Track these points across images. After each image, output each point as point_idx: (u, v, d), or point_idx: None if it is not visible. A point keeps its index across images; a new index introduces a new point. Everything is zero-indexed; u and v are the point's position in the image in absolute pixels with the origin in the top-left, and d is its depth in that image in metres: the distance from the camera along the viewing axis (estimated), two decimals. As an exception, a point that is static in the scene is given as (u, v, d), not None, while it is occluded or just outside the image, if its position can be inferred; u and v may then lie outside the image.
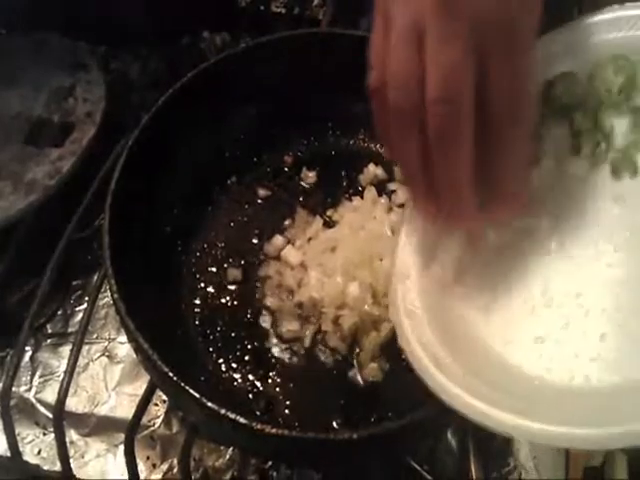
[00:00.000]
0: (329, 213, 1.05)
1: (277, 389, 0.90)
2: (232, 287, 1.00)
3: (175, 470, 0.93)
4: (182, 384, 0.76)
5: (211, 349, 0.94)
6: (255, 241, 1.04)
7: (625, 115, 0.74)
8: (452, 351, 0.71)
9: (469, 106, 0.61)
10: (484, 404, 0.63)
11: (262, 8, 1.44)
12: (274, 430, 0.72)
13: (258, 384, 0.91)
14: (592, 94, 0.76)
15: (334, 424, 0.86)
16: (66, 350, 1.04)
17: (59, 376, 1.01)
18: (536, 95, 0.70)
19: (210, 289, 1.00)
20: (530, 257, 0.74)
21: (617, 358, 0.64)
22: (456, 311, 0.75)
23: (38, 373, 1.05)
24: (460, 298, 0.76)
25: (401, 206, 1.03)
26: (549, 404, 0.64)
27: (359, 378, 0.90)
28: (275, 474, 0.91)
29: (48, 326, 1.09)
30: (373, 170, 1.09)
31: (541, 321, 0.70)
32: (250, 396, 0.90)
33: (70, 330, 1.09)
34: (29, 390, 1.03)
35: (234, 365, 0.92)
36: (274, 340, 0.94)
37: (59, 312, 1.10)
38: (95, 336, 1.07)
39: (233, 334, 0.95)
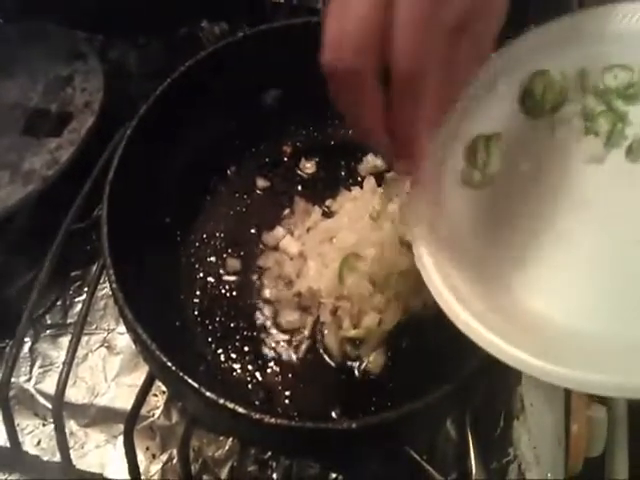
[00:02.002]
0: (328, 203, 1.05)
1: (276, 379, 0.90)
2: (231, 277, 1.00)
3: (174, 460, 0.93)
4: (181, 374, 0.76)
5: (210, 339, 0.94)
6: (254, 231, 1.04)
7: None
8: (473, 286, 0.70)
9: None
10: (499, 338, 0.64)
11: (261, -3, 1.44)
12: (273, 420, 0.72)
13: (257, 374, 0.91)
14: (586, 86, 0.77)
15: (333, 414, 0.86)
16: (65, 341, 1.04)
17: (58, 367, 1.01)
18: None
19: (209, 279, 1.00)
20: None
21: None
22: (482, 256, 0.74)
23: (37, 364, 1.04)
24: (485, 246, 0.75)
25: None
26: (575, 351, 0.63)
27: (358, 369, 0.90)
28: (274, 464, 0.91)
29: (47, 317, 1.09)
30: (372, 160, 1.08)
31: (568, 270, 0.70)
32: (249, 386, 0.90)
33: (69, 321, 1.09)
34: (28, 381, 1.03)
35: (233, 355, 0.92)
36: (273, 330, 0.94)
37: (58, 303, 1.10)
38: (94, 327, 1.07)
39: (232, 324, 0.95)
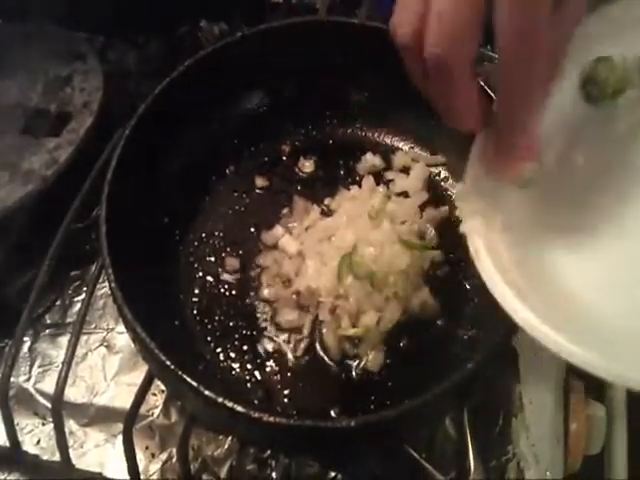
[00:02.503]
0: (327, 202, 1.05)
1: (275, 378, 0.90)
2: (230, 276, 1.00)
3: (174, 460, 0.93)
4: (180, 373, 0.76)
5: (209, 338, 0.94)
6: (253, 230, 1.04)
7: None
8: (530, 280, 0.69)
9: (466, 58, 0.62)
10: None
11: (260, -3, 1.44)
12: (272, 418, 0.72)
13: (256, 373, 0.91)
14: None
15: (332, 413, 0.86)
16: (64, 340, 1.03)
17: (58, 366, 1.01)
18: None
19: (208, 278, 1.00)
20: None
21: None
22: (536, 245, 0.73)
23: (37, 363, 1.04)
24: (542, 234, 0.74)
25: (399, 195, 1.04)
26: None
27: (357, 367, 0.90)
28: (274, 463, 0.91)
29: (46, 316, 1.09)
30: (371, 159, 1.09)
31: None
32: (248, 385, 0.90)
33: (68, 320, 1.08)
34: (28, 380, 1.03)
35: (232, 354, 0.92)
36: (272, 329, 0.94)
37: (57, 302, 1.10)
38: (93, 326, 1.06)
39: (231, 323, 0.95)
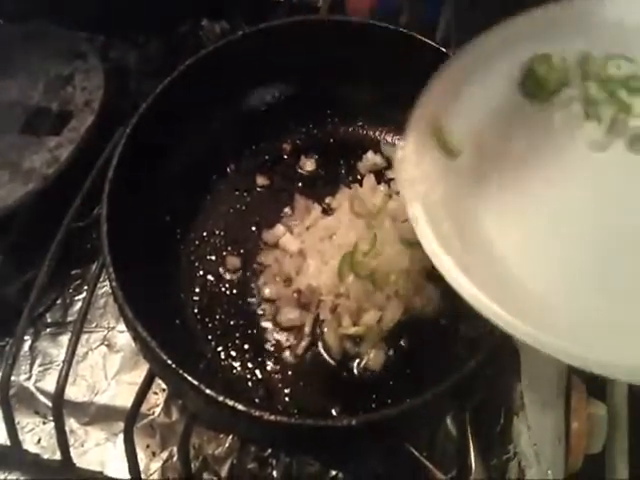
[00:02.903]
0: (328, 201, 1.05)
1: (276, 377, 0.90)
2: (231, 275, 1.00)
3: (175, 458, 0.93)
4: (181, 372, 0.76)
5: (210, 337, 0.94)
6: (254, 229, 1.04)
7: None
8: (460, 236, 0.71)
9: None
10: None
11: (261, -5, 1.44)
12: (273, 417, 0.72)
13: (257, 372, 0.91)
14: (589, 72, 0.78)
15: (333, 411, 0.86)
16: (65, 339, 1.03)
17: (58, 365, 1.01)
18: None
19: (209, 277, 1.00)
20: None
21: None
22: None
23: (37, 362, 1.04)
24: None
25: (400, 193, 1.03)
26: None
27: (358, 366, 0.90)
28: (274, 462, 0.91)
29: (47, 315, 1.09)
30: (372, 158, 1.09)
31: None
32: (249, 384, 0.90)
33: (69, 319, 1.09)
34: (29, 379, 1.03)
35: (233, 353, 0.92)
36: (273, 328, 0.94)
37: (58, 301, 1.10)
38: (94, 325, 1.07)
39: (232, 322, 0.95)
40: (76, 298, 1.11)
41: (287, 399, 0.89)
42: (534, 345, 0.61)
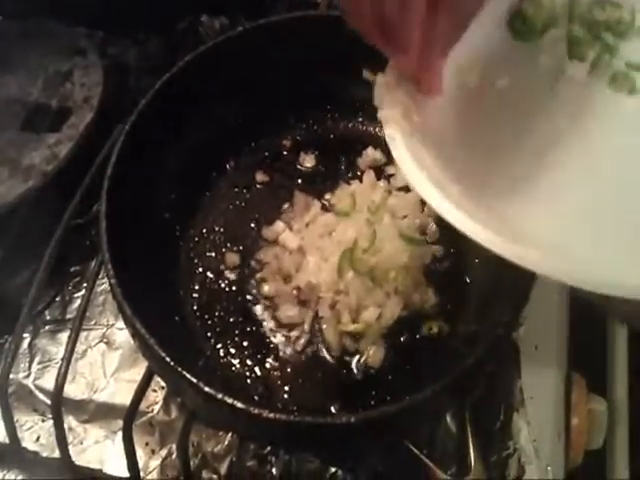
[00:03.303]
0: (327, 197, 1.05)
1: (275, 374, 0.90)
2: (230, 272, 1.00)
3: (174, 456, 0.93)
4: (180, 369, 0.75)
5: (209, 334, 0.94)
6: (253, 226, 1.04)
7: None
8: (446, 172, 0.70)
9: None
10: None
11: (261, -9, 1.44)
12: (272, 415, 0.72)
13: (256, 369, 0.91)
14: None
15: (332, 409, 0.86)
16: (64, 336, 1.03)
17: (57, 362, 1.00)
18: None
19: (208, 274, 1.00)
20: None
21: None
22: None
23: (36, 359, 1.04)
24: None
25: (400, 189, 1.03)
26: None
27: (357, 363, 0.90)
28: (274, 459, 0.91)
29: (46, 312, 1.09)
30: (372, 154, 1.08)
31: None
32: (248, 381, 0.90)
33: (68, 316, 1.08)
34: (27, 377, 1.02)
35: (232, 350, 0.92)
36: (272, 325, 0.94)
37: (57, 298, 1.10)
38: (93, 322, 1.06)
39: (231, 319, 0.95)
40: (75, 295, 1.10)
41: (286, 396, 0.89)
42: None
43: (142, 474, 0.89)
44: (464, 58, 0.77)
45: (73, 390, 0.99)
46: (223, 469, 0.92)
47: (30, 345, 1.06)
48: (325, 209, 1.03)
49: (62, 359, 0.91)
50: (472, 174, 0.70)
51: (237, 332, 0.94)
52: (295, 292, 0.96)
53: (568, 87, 0.76)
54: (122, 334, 1.04)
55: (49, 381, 0.99)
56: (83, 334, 1.02)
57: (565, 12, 0.80)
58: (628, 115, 0.74)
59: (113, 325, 1.06)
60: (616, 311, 0.67)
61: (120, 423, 0.87)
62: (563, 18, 0.80)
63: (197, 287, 0.98)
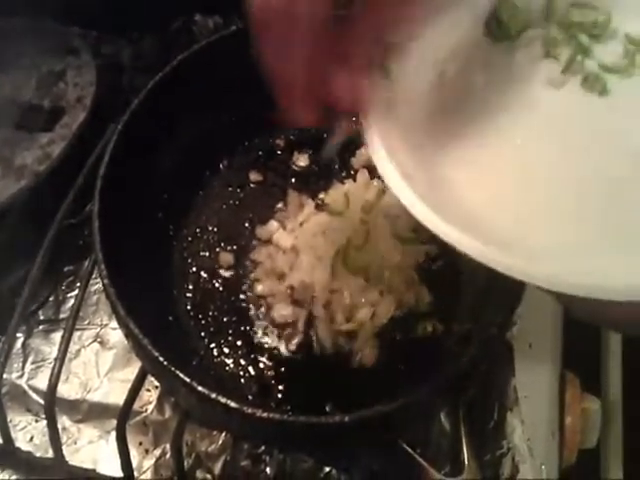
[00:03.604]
0: (321, 196, 1.05)
1: (269, 373, 0.90)
2: (224, 272, 1.00)
3: (167, 455, 0.93)
4: (173, 369, 0.75)
5: (203, 334, 0.94)
6: (247, 225, 1.04)
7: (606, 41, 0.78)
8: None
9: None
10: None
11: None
12: (266, 414, 0.72)
13: (250, 369, 0.91)
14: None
15: (326, 408, 0.86)
16: (58, 336, 1.03)
17: (51, 362, 1.00)
18: None
19: (202, 274, 0.99)
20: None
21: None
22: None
23: (30, 360, 1.04)
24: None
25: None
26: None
27: (352, 363, 0.90)
28: (268, 459, 0.91)
29: (40, 312, 1.09)
30: (365, 153, 1.08)
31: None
32: (242, 381, 0.90)
33: (62, 316, 1.08)
34: (21, 377, 1.02)
35: (226, 350, 0.92)
36: (266, 325, 0.94)
37: (50, 298, 1.10)
38: (87, 322, 1.06)
39: (225, 319, 0.95)
40: (68, 295, 1.10)
41: (280, 396, 0.89)
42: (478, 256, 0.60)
43: (136, 474, 0.89)
44: (441, 54, 0.77)
45: (67, 390, 0.99)
46: (217, 469, 0.92)
47: (23, 345, 1.06)
48: (319, 208, 1.03)
49: (55, 359, 0.91)
50: (438, 165, 0.71)
51: (231, 332, 0.94)
52: (289, 291, 0.95)
53: (542, 86, 0.76)
54: (116, 334, 1.04)
55: (42, 381, 0.99)
56: (77, 334, 1.02)
57: (542, 13, 0.80)
58: (599, 116, 0.74)
59: (107, 325, 1.06)
60: (578, 310, 0.67)
61: (114, 423, 0.87)
62: (539, 19, 0.80)
63: (191, 287, 0.98)
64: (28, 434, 0.98)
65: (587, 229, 0.65)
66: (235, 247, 1.02)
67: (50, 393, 0.89)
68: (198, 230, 1.04)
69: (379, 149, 0.68)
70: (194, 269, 1.00)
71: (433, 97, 0.77)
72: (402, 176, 0.65)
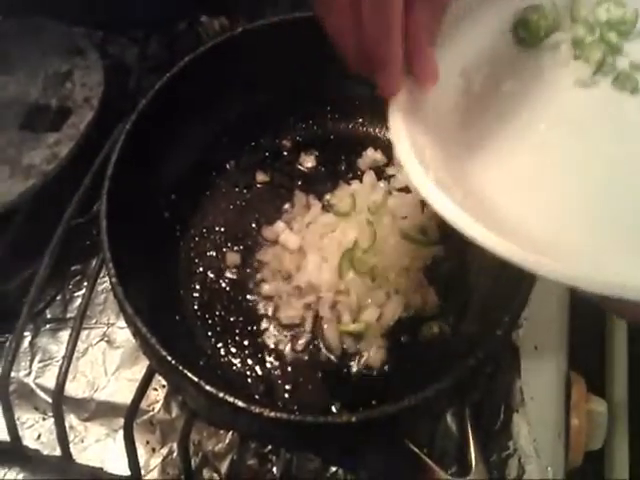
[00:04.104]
0: (328, 197, 1.05)
1: (276, 373, 0.90)
2: (231, 272, 1.00)
3: (174, 454, 0.93)
4: (181, 368, 0.75)
5: (210, 333, 0.94)
6: (253, 225, 1.04)
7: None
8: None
9: None
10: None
11: (261, -9, 1.44)
12: (273, 414, 0.72)
13: (257, 368, 0.91)
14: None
15: (333, 408, 0.86)
16: (65, 335, 1.03)
17: (58, 361, 1.00)
18: None
19: (209, 274, 1.00)
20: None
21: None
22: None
23: (37, 358, 1.04)
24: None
25: (400, 190, 1.03)
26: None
27: (358, 363, 0.90)
28: (274, 458, 0.91)
29: (47, 311, 1.09)
30: (372, 154, 1.09)
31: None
32: (249, 380, 0.90)
33: (69, 315, 1.08)
34: (28, 375, 1.02)
35: (233, 350, 0.92)
36: (273, 325, 0.94)
37: (58, 297, 1.10)
38: (94, 321, 1.06)
39: (232, 319, 0.95)
40: (76, 294, 1.10)
41: (287, 396, 0.89)
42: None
43: (143, 473, 0.89)
44: (469, 61, 0.78)
45: (74, 388, 0.99)
46: (224, 468, 0.92)
47: (31, 344, 1.06)
48: (325, 209, 1.03)
49: (63, 358, 0.92)
50: (471, 174, 0.71)
51: (238, 331, 0.94)
52: (296, 292, 0.96)
53: (573, 89, 0.76)
54: (123, 333, 1.04)
55: (50, 379, 0.99)
56: (84, 333, 1.02)
57: (568, 14, 0.80)
58: (631, 115, 0.74)
59: (114, 324, 1.06)
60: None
61: (121, 422, 0.87)
62: (566, 20, 0.80)
63: (198, 286, 0.98)
64: (35, 432, 0.98)
65: (620, 230, 0.65)
66: (242, 247, 1.02)
67: (58, 391, 0.90)
68: (205, 230, 1.04)
69: (410, 158, 0.68)
70: (201, 269, 1.00)
71: (461, 105, 0.77)
72: (436, 183, 0.65)
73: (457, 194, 0.65)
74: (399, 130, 0.70)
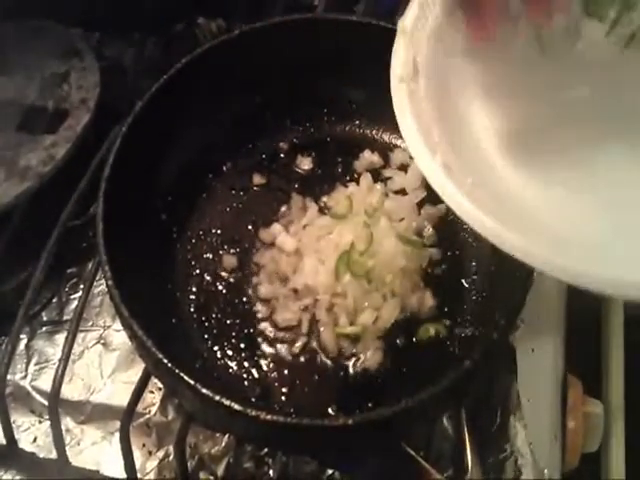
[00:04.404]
0: (324, 199, 1.05)
1: (272, 376, 0.90)
2: (227, 274, 1.00)
3: (171, 457, 0.93)
4: (177, 371, 0.75)
5: (206, 336, 0.94)
6: (250, 228, 1.04)
7: None
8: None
9: None
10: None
11: (258, -6, 1.44)
12: (269, 416, 0.72)
13: (253, 371, 0.91)
14: None
15: (329, 411, 0.86)
16: (61, 338, 1.03)
17: (54, 364, 1.01)
18: None
19: (205, 276, 0.99)
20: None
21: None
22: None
23: (33, 361, 1.04)
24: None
25: (397, 192, 1.03)
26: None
27: (355, 365, 0.90)
28: (271, 461, 0.91)
29: (43, 314, 1.09)
30: (369, 156, 1.09)
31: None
32: (245, 383, 0.90)
33: (65, 318, 1.08)
34: (24, 378, 1.02)
35: (229, 352, 0.92)
36: (269, 327, 0.94)
37: (54, 300, 1.10)
38: (90, 324, 1.06)
39: (228, 321, 0.95)
40: (72, 297, 1.10)
41: (283, 398, 0.89)
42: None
43: (139, 475, 0.89)
44: None
45: (70, 391, 0.99)
46: (220, 470, 0.92)
47: (27, 346, 1.06)
48: (322, 212, 1.03)
49: (59, 360, 0.92)
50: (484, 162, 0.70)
51: (234, 334, 0.94)
52: (292, 294, 0.96)
53: (585, 47, 0.75)
54: (119, 335, 1.04)
55: (46, 382, 0.99)
56: (80, 335, 1.02)
57: None
58: None
59: (110, 327, 1.06)
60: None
61: (117, 424, 0.88)
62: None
63: (194, 289, 0.98)
64: (31, 435, 0.98)
65: None
66: (238, 250, 1.02)
67: (54, 394, 0.90)
68: (201, 232, 1.04)
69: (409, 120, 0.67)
70: (197, 271, 1.00)
71: (466, 70, 0.77)
72: (443, 168, 0.64)
73: (465, 182, 0.64)
74: (403, 106, 0.69)
